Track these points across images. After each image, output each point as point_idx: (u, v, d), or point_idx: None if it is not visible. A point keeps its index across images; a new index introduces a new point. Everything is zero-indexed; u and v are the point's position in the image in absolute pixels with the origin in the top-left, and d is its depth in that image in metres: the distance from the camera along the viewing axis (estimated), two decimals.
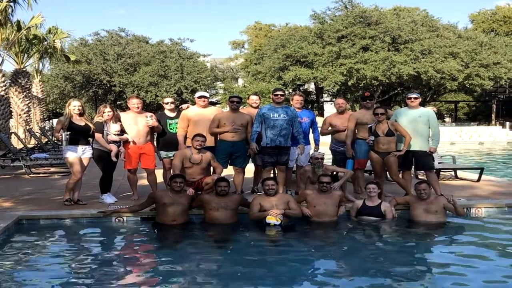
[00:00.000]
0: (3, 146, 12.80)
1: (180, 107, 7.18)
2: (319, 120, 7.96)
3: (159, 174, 6.91)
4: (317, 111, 34.65)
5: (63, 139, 6.16)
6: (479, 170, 8.63)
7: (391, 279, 3.95)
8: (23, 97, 22.65)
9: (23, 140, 15.87)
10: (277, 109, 6.42)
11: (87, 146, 6.45)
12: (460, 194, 6.96)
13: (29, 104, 23.47)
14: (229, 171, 6.84)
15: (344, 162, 6.89)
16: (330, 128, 7.13)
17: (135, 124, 6.61)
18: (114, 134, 6.44)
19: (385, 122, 6.38)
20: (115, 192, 6.99)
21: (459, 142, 27.71)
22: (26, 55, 23.45)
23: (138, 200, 6.48)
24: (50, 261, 4.52)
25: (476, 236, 5.27)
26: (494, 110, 39.21)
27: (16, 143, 15.48)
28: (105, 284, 3.89)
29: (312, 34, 32.67)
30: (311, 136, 7.16)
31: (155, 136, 6.92)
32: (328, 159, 6.82)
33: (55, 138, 9.71)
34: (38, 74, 27.81)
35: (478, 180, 8.35)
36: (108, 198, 6.56)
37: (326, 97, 40.47)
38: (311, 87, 39.37)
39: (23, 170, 9.90)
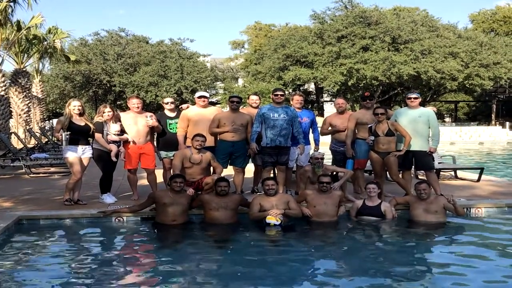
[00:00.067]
0: (3, 146, 12.80)
1: (180, 107, 7.18)
2: (319, 120, 7.96)
3: (159, 174, 6.91)
4: (317, 111, 34.67)
5: (63, 139, 6.16)
6: (479, 170, 8.63)
7: (391, 279, 3.95)
8: (23, 97, 22.64)
9: (23, 140, 15.87)
10: (277, 109, 6.42)
11: (87, 146, 6.45)
12: (460, 194, 6.96)
13: (29, 104, 23.46)
14: (229, 171, 6.84)
15: (344, 162, 6.89)
16: (330, 128, 7.12)
17: (135, 124, 6.61)
18: (114, 134, 6.44)
19: (385, 122, 6.38)
20: (115, 192, 6.99)
21: (459, 142, 27.72)
22: (26, 55, 23.44)
23: (138, 200, 6.48)
24: (50, 261, 4.52)
25: (476, 236, 5.27)
26: (494, 110, 39.20)
27: (16, 143, 15.47)
28: (105, 284, 3.89)
29: (312, 34, 32.67)
30: (311, 136, 7.16)
31: (155, 136, 6.92)
32: (328, 159, 6.81)
33: (55, 138, 9.71)
34: (38, 74, 27.80)
35: (478, 180, 8.35)
36: (108, 198, 6.56)
37: (326, 97, 40.48)
38: (311, 87, 39.38)
39: (23, 170, 9.90)
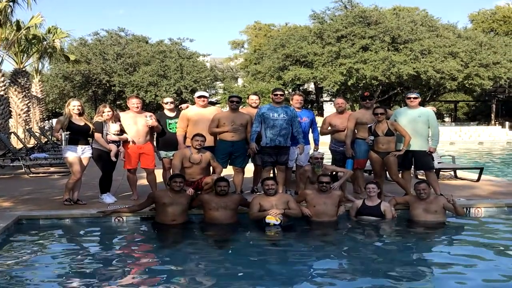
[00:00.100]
0: (2, 146, 12.79)
1: (179, 107, 7.18)
2: (319, 120, 7.96)
3: (158, 174, 6.91)
4: (316, 111, 34.68)
5: (63, 139, 6.15)
6: (478, 170, 8.64)
7: (391, 279, 3.95)
8: (23, 97, 22.63)
9: (23, 140, 15.85)
10: (277, 109, 6.42)
11: (86, 146, 6.44)
12: (460, 194, 6.96)
13: (29, 104, 23.45)
14: (229, 171, 6.83)
15: (343, 162, 6.88)
16: (329, 128, 7.12)
17: (135, 124, 6.61)
18: (114, 134, 6.44)
19: (385, 122, 6.38)
20: (114, 192, 6.99)
21: (458, 142, 27.73)
22: (25, 55, 23.41)
23: (137, 200, 6.48)
24: (50, 261, 4.52)
25: (475, 236, 5.28)
26: (494, 110, 39.19)
27: (15, 143, 15.46)
28: (105, 284, 3.88)
29: (311, 34, 32.65)
30: (310, 136, 7.15)
31: (155, 136, 6.92)
32: (327, 159, 6.81)
33: (55, 138, 9.69)
34: (38, 74, 27.79)
35: (478, 180, 8.35)
36: (108, 198, 6.56)
37: (325, 97, 40.46)
38: (311, 87, 39.36)
39: (23, 170, 9.90)
